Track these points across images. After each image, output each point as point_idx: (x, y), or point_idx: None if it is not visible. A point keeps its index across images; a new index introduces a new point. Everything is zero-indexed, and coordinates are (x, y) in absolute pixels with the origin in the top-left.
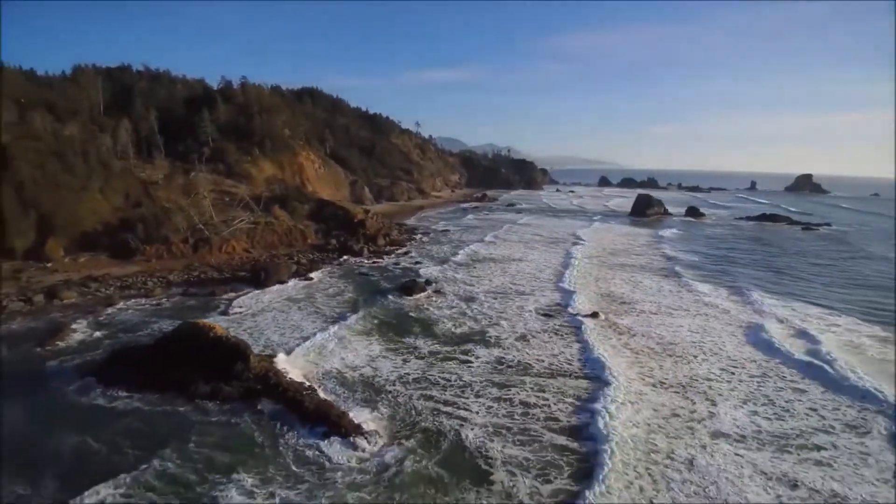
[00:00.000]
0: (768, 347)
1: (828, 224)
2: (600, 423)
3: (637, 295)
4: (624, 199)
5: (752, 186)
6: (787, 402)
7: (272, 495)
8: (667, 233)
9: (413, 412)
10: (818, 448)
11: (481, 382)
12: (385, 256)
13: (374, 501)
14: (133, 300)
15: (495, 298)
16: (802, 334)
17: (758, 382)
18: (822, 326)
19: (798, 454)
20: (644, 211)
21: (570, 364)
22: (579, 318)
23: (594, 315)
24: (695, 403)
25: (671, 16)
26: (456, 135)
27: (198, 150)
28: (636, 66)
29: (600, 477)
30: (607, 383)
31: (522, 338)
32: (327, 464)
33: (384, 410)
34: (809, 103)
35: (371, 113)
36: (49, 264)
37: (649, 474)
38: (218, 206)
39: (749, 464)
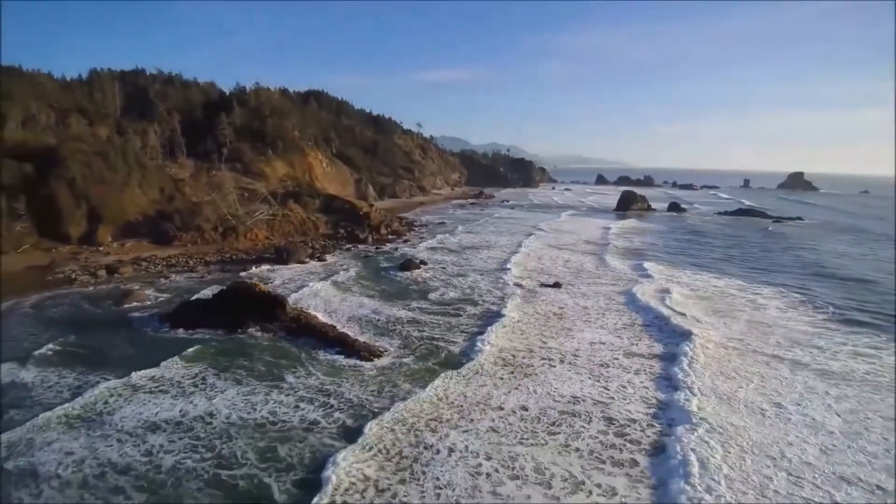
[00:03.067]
0: (632, 300)
1: (799, 218)
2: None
3: (564, 269)
4: (613, 196)
5: (746, 184)
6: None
7: (318, 379)
8: (631, 224)
9: (412, 340)
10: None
11: (465, 325)
12: (387, 244)
13: (387, 380)
14: (181, 274)
15: (479, 274)
16: (665, 292)
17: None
18: (689, 288)
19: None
20: (628, 206)
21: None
22: (543, 287)
23: (556, 285)
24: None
25: (676, 14)
26: (460, 134)
27: (217, 151)
28: (641, 65)
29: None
30: (500, 315)
31: (500, 299)
32: (351, 367)
33: (389, 339)
34: (812, 102)
35: (374, 114)
36: (101, 248)
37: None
38: (239, 200)
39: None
